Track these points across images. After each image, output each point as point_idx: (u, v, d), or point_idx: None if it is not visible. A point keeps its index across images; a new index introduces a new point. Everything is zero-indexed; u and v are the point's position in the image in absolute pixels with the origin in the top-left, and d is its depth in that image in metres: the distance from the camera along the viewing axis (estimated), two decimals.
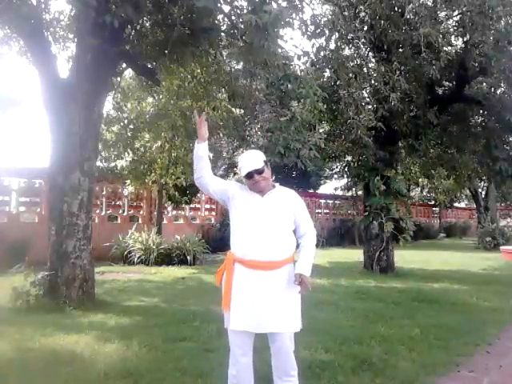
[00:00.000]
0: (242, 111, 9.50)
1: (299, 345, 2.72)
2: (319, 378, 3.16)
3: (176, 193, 11.98)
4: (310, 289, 2.52)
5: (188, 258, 9.91)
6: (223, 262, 2.70)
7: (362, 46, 8.53)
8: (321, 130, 8.73)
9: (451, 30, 8.37)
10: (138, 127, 10.05)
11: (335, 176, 19.04)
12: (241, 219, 2.57)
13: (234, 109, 9.79)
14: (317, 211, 18.68)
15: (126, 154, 10.48)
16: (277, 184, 2.67)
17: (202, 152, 2.63)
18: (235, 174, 26.24)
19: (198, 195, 13.68)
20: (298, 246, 2.68)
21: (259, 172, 2.53)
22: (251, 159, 2.57)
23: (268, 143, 5.92)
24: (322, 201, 19.66)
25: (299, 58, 7.01)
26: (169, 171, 10.98)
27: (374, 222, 8.79)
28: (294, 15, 5.39)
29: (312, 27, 7.27)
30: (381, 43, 8.08)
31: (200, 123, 2.65)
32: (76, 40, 5.86)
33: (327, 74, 8.17)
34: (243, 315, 2.48)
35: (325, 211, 19.43)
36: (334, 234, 17.68)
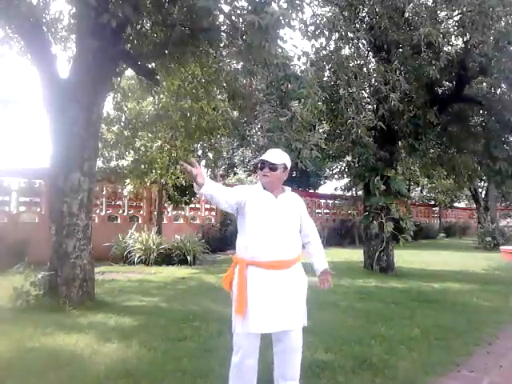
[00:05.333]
0: (241, 113, 9.52)
1: None
2: (319, 378, 3.16)
3: (176, 193, 11.98)
4: (331, 285, 2.78)
5: (188, 258, 9.89)
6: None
7: (361, 46, 8.52)
8: (321, 130, 8.75)
9: (451, 29, 8.37)
10: (138, 127, 10.05)
11: (335, 176, 19.02)
12: (255, 220, 2.56)
13: (233, 111, 9.80)
14: (317, 211, 18.68)
15: (127, 153, 10.49)
16: (287, 188, 2.73)
17: (209, 193, 2.43)
18: (235, 173, 26.33)
19: (198, 195, 13.67)
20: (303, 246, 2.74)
21: (271, 167, 2.58)
22: (273, 153, 2.66)
23: (269, 143, 5.92)
24: (322, 201, 19.66)
25: (299, 58, 7.01)
26: (169, 171, 10.99)
27: (374, 222, 8.79)
28: (294, 15, 5.39)
29: (312, 27, 7.27)
30: (381, 43, 8.07)
31: (192, 173, 2.35)
32: (76, 40, 5.86)
33: (327, 74, 8.18)
34: (262, 317, 2.47)
35: (325, 211, 19.43)
36: (334, 234, 17.68)
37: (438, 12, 7.90)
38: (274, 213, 2.57)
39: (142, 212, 12.92)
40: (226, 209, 2.59)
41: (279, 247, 2.52)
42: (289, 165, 2.68)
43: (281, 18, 3.88)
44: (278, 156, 2.64)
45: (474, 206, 22.62)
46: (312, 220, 2.85)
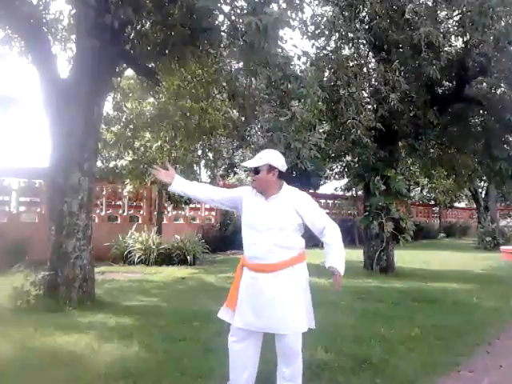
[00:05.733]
0: (241, 113, 9.51)
1: None
2: (319, 377, 3.16)
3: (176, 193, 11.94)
4: (340, 286, 2.61)
5: (188, 258, 9.89)
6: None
7: (361, 46, 8.53)
8: (321, 130, 8.75)
9: (451, 29, 8.37)
10: (138, 127, 10.05)
11: (335, 176, 19.06)
12: (244, 223, 2.63)
13: (233, 110, 9.79)
14: None
15: (126, 153, 10.49)
16: (285, 186, 2.62)
17: (179, 189, 2.75)
18: (235, 174, 26.32)
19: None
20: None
21: (253, 171, 2.56)
22: (256, 156, 2.60)
23: (268, 143, 5.91)
24: (322, 201, 19.64)
25: (299, 58, 7.01)
26: None
27: (374, 221, 8.78)
28: (293, 15, 5.39)
29: (312, 27, 7.27)
30: (381, 43, 8.07)
31: (157, 175, 2.81)
32: (76, 40, 5.86)
33: (327, 74, 8.17)
34: (243, 313, 2.54)
35: (325, 211, 19.37)
36: None
37: (438, 12, 7.90)
38: (261, 216, 2.54)
39: (142, 212, 12.91)
40: (218, 206, 2.80)
41: (266, 251, 2.50)
42: (276, 163, 2.53)
43: (279, 18, 3.88)
44: (257, 158, 2.55)
45: (474, 206, 22.61)
46: (323, 213, 2.71)
